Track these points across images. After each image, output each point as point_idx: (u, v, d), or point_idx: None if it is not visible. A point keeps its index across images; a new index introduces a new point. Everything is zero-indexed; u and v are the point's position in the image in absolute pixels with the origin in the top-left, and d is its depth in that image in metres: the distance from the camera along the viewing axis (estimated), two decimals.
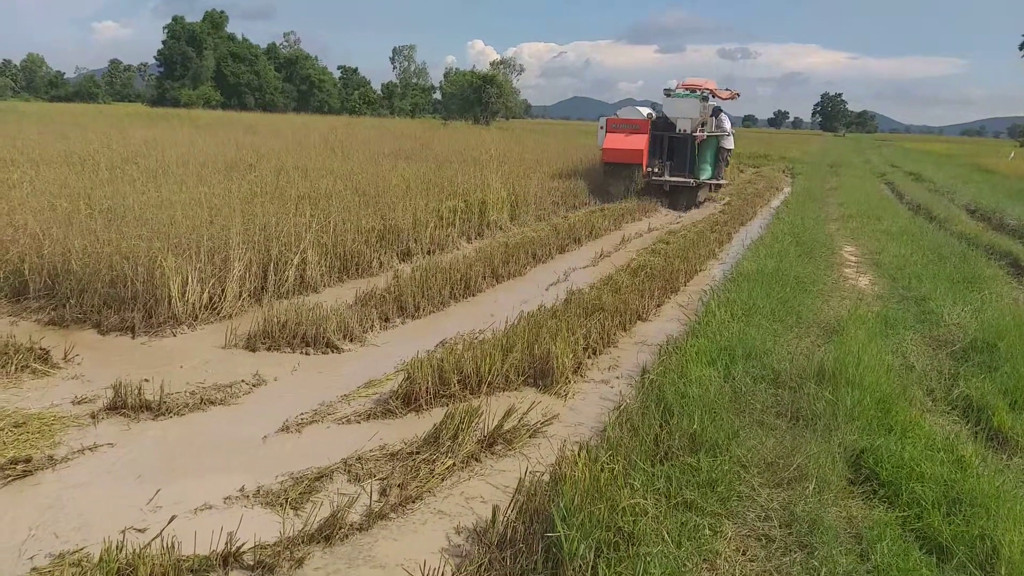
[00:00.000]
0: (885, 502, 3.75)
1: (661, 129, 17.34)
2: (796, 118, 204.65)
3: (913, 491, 3.71)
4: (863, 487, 3.90)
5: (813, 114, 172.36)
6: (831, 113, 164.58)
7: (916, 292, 8.15)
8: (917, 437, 4.27)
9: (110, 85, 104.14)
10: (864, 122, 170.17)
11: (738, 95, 19.63)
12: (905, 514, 3.60)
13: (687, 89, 17.87)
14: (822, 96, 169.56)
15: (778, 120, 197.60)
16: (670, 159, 17.29)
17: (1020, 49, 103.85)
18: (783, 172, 30.10)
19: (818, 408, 4.63)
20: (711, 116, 17.42)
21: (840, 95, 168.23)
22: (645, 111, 17.63)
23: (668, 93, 17.78)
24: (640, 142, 16.70)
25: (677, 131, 17.21)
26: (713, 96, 17.94)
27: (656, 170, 16.98)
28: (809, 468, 3.88)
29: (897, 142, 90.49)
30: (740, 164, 30.00)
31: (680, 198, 16.87)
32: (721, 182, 18.44)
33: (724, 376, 5.20)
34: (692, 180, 16.98)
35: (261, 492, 3.76)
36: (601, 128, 17.41)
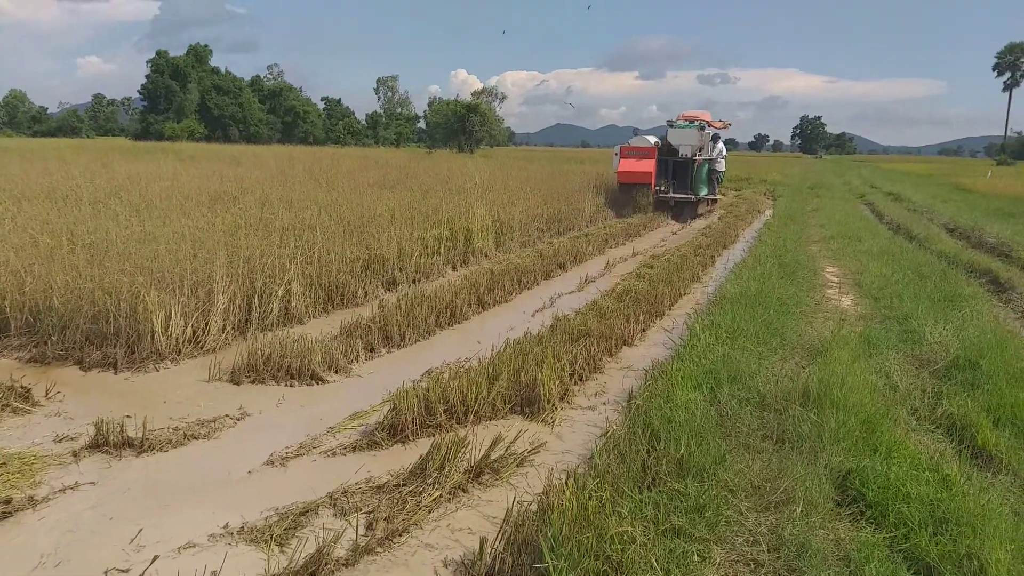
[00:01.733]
0: (872, 523, 3.76)
1: (665, 154, 20.38)
2: (776, 141, 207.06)
3: (900, 511, 3.71)
4: (850, 508, 3.90)
5: (793, 137, 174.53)
6: (811, 135, 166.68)
7: (898, 311, 8.22)
8: (902, 457, 4.29)
9: (93, 119, 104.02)
10: (843, 144, 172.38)
11: (729, 125, 23.37)
12: (892, 535, 3.60)
13: (686, 120, 21.07)
14: (801, 119, 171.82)
15: (759, 143, 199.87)
16: (674, 179, 20.41)
17: (994, 70, 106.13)
18: (764, 195, 30.38)
19: (804, 430, 4.65)
20: (710, 142, 20.64)
21: (819, 118, 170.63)
22: (652, 139, 20.66)
23: (671, 124, 20.99)
24: (649, 166, 19.78)
25: (679, 156, 20.31)
26: (708, 126, 20.96)
27: (663, 188, 20.09)
28: (796, 491, 3.88)
29: (876, 163, 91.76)
30: (722, 187, 30.27)
31: (683, 211, 20.09)
32: (716, 197, 22.36)
33: (710, 400, 5.21)
34: (693, 196, 20.15)
35: (246, 529, 3.71)
36: (616, 155, 20.47)
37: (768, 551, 3.46)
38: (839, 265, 11.94)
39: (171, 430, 4.89)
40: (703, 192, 20.79)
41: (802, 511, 3.71)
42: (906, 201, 26.47)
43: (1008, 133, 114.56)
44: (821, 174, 50.44)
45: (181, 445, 4.74)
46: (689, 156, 20.21)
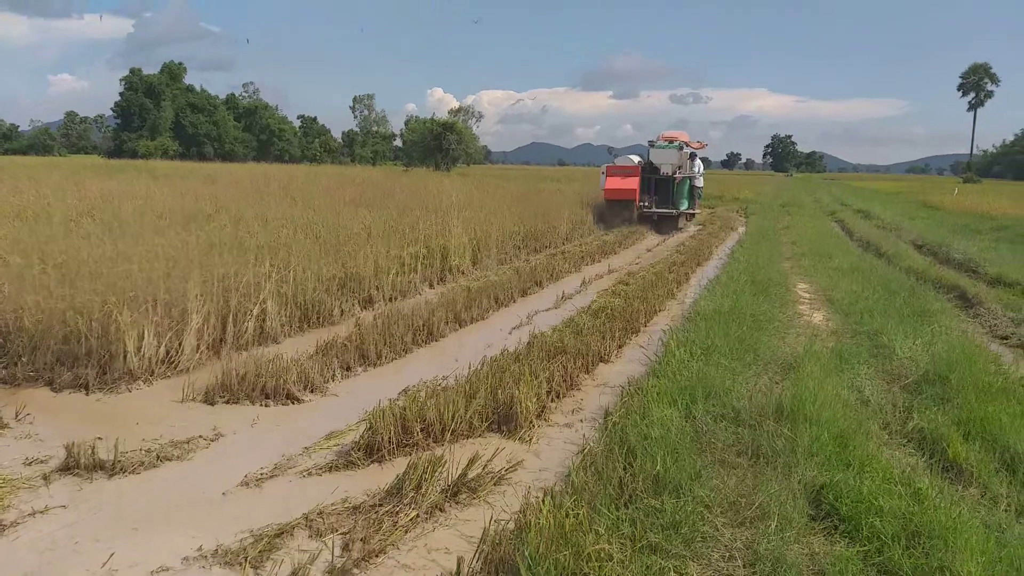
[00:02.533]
0: (846, 537, 3.80)
1: (648, 172, 21.89)
2: (748, 159, 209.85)
3: (873, 525, 3.75)
4: (824, 523, 3.94)
5: (764, 155, 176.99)
6: (782, 154, 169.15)
7: (868, 327, 8.35)
8: (875, 471, 4.34)
9: (66, 137, 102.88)
10: (813, 162, 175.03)
11: (706, 144, 25.27)
12: (866, 548, 3.64)
13: (666, 140, 22.79)
14: (772, 137, 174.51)
15: (731, 161, 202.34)
16: (656, 195, 21.97)
17: (959, 90, 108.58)
18: (737, 212, 30.75)
19: (778, 445, 4.70)
20: (688, 160, 22.44)
21: (790, 136, 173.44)
22: (635, 159, 22.35)
23: (652, 144, 22.75)
24: (634, 183, 21.32)
25: (661, 174, 21.86)
26: (687, 145, 22.96)
27: (646, 204, 21.73)
28: (771, 506, 3.92)
29: (846, 181, 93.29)
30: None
31: (665, 225, 21.82)
32: (695, 211, 24.14)
33: (685, 416, 5.25)
34: (674, 211, 21.94)
35: (220, 551, 3.67)
36: (603, 174, 21.92)
37: (744, 566, 3.48)
38: (811, 281, 12.11)
39: (144, 452, 4.83)
40: (684, 207, 22.46)
41: (777, 526, 3.75)
42: (875, 218, 26.93)
43: (974, 151, 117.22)
44: (792, 192, 51.15)
45: (154, 467, 4.68)
46: (670, 174, 21.81)
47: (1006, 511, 4.18)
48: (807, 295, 11.00)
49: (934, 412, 5.50)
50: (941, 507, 3.94)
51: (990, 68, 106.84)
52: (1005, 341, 8.61)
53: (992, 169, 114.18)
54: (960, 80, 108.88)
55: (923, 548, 3.55)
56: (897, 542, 3.61)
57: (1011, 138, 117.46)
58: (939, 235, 18.99)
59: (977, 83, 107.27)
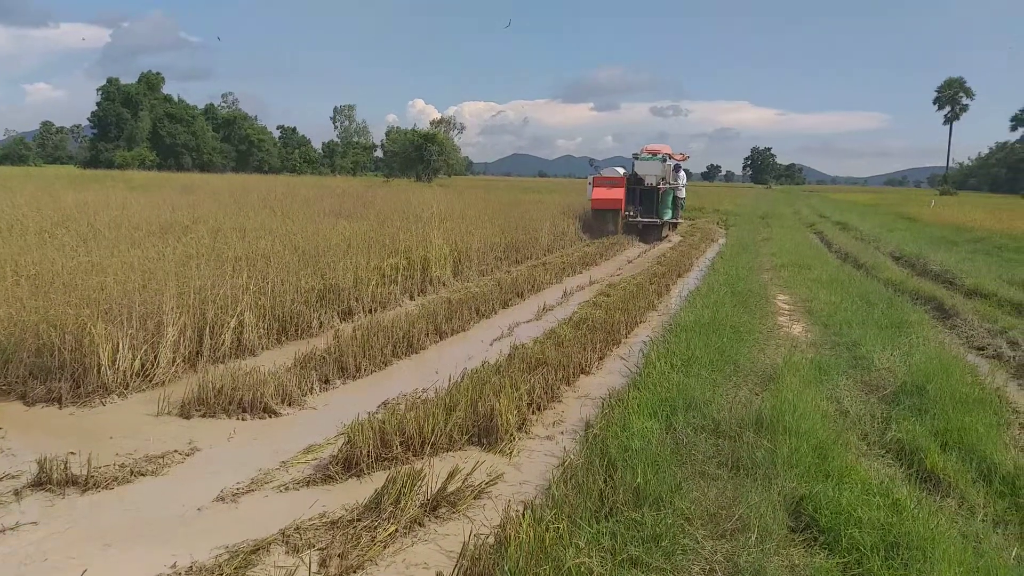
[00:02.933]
0: (826, 548, 3.80)
1: (633, 183, 22.80)
2: (728, 171, 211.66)
3: (852, 536, 3.76)
4: (804, 534, 3.95)
5: (744, 167, 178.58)
6: (761, 166, 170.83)
7: (847, 338, 8.41)
8: (854, 482, 4.36)
9: (42, 147, 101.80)
10: (793, 174, 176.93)
11: (688, 157, 26.80)
12: (845, 560, 3.65)
13: (650, 153, 23.93)
14: (752, 150, 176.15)
15: (711, 174, 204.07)
16: (641, 205, 22.88)
17: (935, 104, 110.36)
18: (718, 224, 30.99)
19: (757, 456, 4.70)
20: (672, 172, 23.52)
21: (769, 149, 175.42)
22: (621, 170, 23.07)
23: (636, 156, 23.84)
24: (619, 193, 22.08)
25: (645, 184, 22.81)
26: (670, 158, 24.05)
27: (631, 213, 22.54)
28: (751, 518, 3.91)
29: (824, 193, 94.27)
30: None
31: (649, 234, 22.68)
32: (678, 221, 25.25)
33: (666, 428, 5.25)
34: (658, 220, 22.95)
35: (194, 568, 3.60)
36: (590, 184, 22.67)
37: None
38: (790, 293, 12.19)
39: (117, 467, 4.74)
40: (667, 216, 23.59)
41: (757, 538, 3.75)
42: (854, 230, 27.22)
43: (950, 164, 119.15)
44: (772, 204, 51.63)
45: (128, 482, 4.60)
46: (654, 185, 22.82)
47: (983, 521, 4.21)
48: (787, 306, 11.07)
49: (912, 423, 5.54)
50: (919, 518, 3.96)
51: (965, 82, 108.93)
52: (981, 352, 8.70)
53: (968, 181, 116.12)
54: (936, 94, 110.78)
55: (902, 559, 3.56)
56: (876, 553, 3.62)
57: (986, 151, 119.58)
58: (916, 247, 19.22)
59: (952, 97, 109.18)
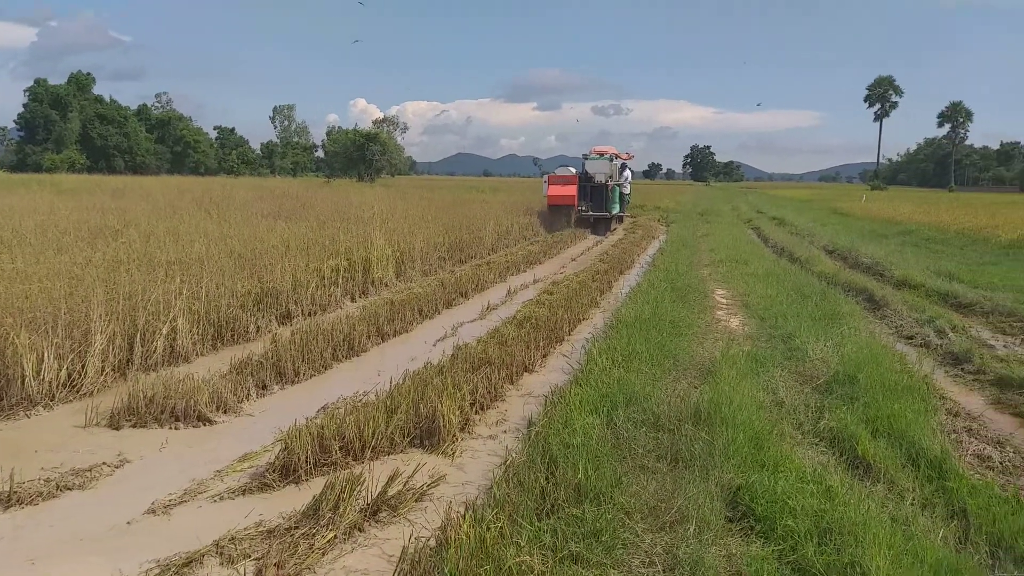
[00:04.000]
0: (762, 537, 3.87)
1: (584, 181, 24.94)
2: (669, 169, 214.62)
3: (787, 524, 3.84)
4: (740, 524, 4.01)
5: (684, 165, 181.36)
6: (701, 164, 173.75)
7: (782, 330, 8.60)
8: (788, 471, 4.45)
9: None
10: (731, 171, 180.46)
11: (633, 156, 30.03)
12: (781, 547, 3.72)
13: (598, 153, 26.34)
14: (692, 148, 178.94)
15: (652, 172, 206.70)
16: (591, 200, 24.97)
17: (865, 101, 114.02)
18: (659, 221, 31.44)
19: (696, 449, 4.76)
20: (618, 170, 26.23)
21: (708, 147, 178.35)
22: (572, 169, 25.18)
23: (586, 156, 26.27)
24: (573, 191, 24.32)
25: (595, 182, 25.04)
26: (616, 157, 26.57)
27: (583, 208, 24.66)
28: (689, 509, 3.96)
29: (762, 189, 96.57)
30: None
31: (600, 226, 24.81)
32: (624, 215, 28.30)
33: (606, 423, 5.28)
34: (607, 214, 25.22)
35: None
36: (545, 182, 24.80)
37: (664, 571, 3.51)
38: (728, 287, 12.43)
39: (42, 481, 4.56)
40: (615, 211, 26.02)
41: (695, 529, 3.79)
42: (789, 225, 27.95)
43: (880, 160, 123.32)
44: (711, 201, 52.63)
45: (53, 497, 4.42)
46: (603, 182, 25.13)
47: (912, 504, 4.35)
48: (724, 300, 11.28)
49: (844, 411, 5.69)
50: (851, 503, 4.07)
51: (894, 81, 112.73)
52: (910, 341, 9.00)
53: (898, 177, 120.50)
54: (867, 92, 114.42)
55: (835, 544, 3.65)
56: (810, 540, 3.70)
57: (914, 147, 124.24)
58: (849, 240, 19.82)
59: (882, 95, 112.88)
